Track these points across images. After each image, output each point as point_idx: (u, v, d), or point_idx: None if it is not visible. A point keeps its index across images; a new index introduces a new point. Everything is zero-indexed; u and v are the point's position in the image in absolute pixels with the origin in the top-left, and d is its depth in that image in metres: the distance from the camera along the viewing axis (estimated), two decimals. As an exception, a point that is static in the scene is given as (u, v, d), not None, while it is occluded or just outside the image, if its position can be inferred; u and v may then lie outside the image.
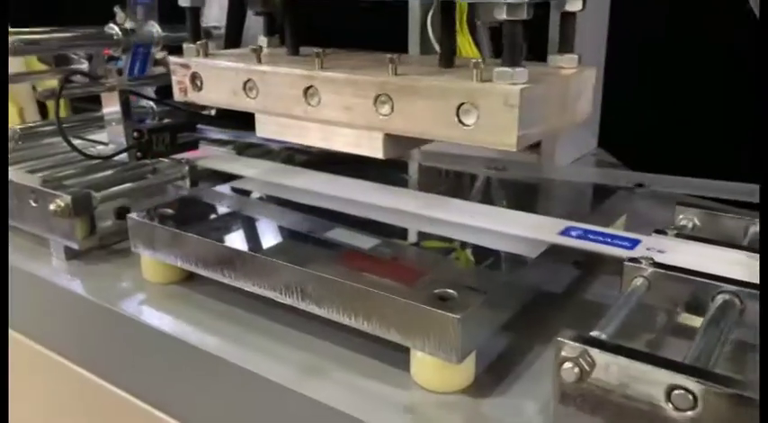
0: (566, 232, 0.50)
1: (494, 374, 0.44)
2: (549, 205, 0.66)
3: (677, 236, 0.49)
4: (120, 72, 0.68)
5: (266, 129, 0.54)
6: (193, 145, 0.70)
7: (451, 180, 0.69)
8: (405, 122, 0.45)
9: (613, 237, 0.49)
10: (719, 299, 0.41)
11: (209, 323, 0.51)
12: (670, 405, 0.32)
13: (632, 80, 0.79)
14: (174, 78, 0.57)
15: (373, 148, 0.48)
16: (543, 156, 0.68)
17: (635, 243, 0.47)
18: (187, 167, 0.69)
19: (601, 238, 0.48)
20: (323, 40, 0.56)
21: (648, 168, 0.71)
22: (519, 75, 0.41)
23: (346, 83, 0.47)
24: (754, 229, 0.52)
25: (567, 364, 0.34)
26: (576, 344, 0.34)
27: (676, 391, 0.32)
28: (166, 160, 0.70)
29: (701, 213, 0.54)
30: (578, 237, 0.49)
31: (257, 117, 0.54)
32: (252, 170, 0.67)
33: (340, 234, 0.53)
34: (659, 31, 0.77)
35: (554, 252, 0.49)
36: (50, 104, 0.92)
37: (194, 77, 0.56)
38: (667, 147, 0.80)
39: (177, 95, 0.58)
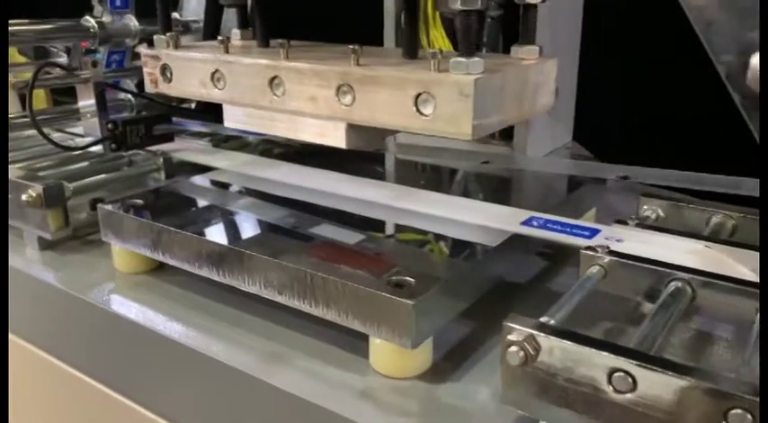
0: (528, 222, 0.50)
1: (451, 361, 0.44)
2: (521, 197, 0.66)
3: (637, 226, 0.49)
4: (94, 64, 0.68)
5: (234, 119, 0.54)
6: (169, 137, 0.71)
7: (426, 173, 0.70)
8: (366, 112, 0.46)
9: (574, 226, 0.49)
10: (672, 286, 0.42)
11: (176, 312, 0.51)
12: (611, 387, 0.33)
13: (607, 75, 0.80)
14: (145, 70, 0.58)
15: (337, 138, 0.49)
16: (516, 148, 0.69)
17: (594, 232, 0.48)
18: (162, 159, 0.69)
19: (561, 228, 0.49)
20: (301, 34, 0.57)
21: (621, 162, 0.71)
22: (474, 65, 0.42)
23: (310, 73, 0.48)
24: (716, 219, 0.52)
25: (513, 348, 0.35)
26: (522, 328, 0.35)
27: (617, 374, 0.33)
28: (143, 152, 0.71)
29: (665, 204, 0.54)
30: (539, 226, 0.50)
31: (225, 108, 0.55)
32: (226, 162, 0.67)
33: (308, 225, 0.53)
34: (634, 26, 0.77)
35: (516, 242, 0.50)
36: (35, 94, 0.92)
37: (164, 69, 0.57)
38: (641, 140, 0.80)
39: (148, 86, 0.58)
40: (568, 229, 0.49)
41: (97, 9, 0.74)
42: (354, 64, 0.46)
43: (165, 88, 0.57)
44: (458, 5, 0.41)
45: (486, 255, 0.47)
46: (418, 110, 0.43)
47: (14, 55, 0.86)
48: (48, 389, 0.62)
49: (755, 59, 0.24)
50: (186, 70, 0.55)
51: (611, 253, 0.44)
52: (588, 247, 0.45)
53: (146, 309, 0.52)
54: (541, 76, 0.49)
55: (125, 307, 0.52)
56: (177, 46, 0.57)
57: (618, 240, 0.47)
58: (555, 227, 0.49)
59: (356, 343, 0.44)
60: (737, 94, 0.26)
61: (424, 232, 0.52)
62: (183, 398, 0.50)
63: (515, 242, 0.50)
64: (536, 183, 0.67)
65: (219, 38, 0.54)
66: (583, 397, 0.34)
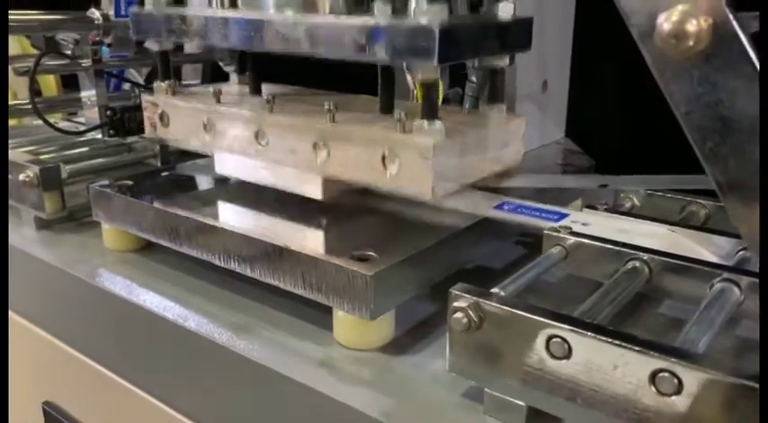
0: (499, 207, 0.51)
1: (414, 336, 0.45)
2: (509, 188, 0.67)
3: (606, 211, 0.50)
4: (95, 53, 0.71)
5: (224, 167, 0.58)
6: (167, 125, 0.73)
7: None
8: (339, 167, 0.49)
9: (543, 211, 0.50)
10: (629, 265, 0.42)
11: (157, 286, 0.53)
12: (549, 354, 0.34)
13: (603, 71, 0.80)
14: (146, 114, 0.61)
15: (314, 189, 0.52)
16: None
17: (563, 216, 0.49)
18: (159, 146, 0.71)
19: (530, 212, 0.50)
20: (303, 67, 0.59)
21: (613, 159, 0.72)
22: (435, 129, 0.44)
23: (290, 128, 0.51)
24: (690, 208, 0.53)
25: (458, 315, 0.36)
26: (467, 295, 0.36)
27: (553, 340, 0.33)
28: (142, 139, 0.73)
29: (642, 194, 0.55)
30: (510, 211, 0.50)
31: (216, 155, 0.58)
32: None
33: (285, 205, 0.55)
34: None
35: (487, 226, 0.51)
36: (45, 84, 0.96)
37: (162, 115, 0.59)
38: (636, 137, 0.80)
39: (148, 130, 0.61)
40: (537, 214, 0.49)
41: (103, 2, 0.77)
42: (330, 121, 0.49)
43: (162, 132, 0.60)
44: (419, 77, 0.44)
45: (453, 236, 0.48)
46: (385, 168, 0.46)
47: (28, 47, 0.89)
48: (40, 362, 0.64)
49: (661, 19, 0.25)
50: (181, 118, 0.58)
51: (573, 234, 0.45)
52: (551, 229, 0.46)
53: (129, 283, 0.54)
54: (507, 135, 0.51)
55: (109, 281, 0.54)
56: (175, 93, 0.59)
57: (584, 223, 0.47)
58: (525, 211, 0.50)
59: (322, 316, 0.46)
60: (648, 54, 0.27)
61: (405, 216, 0.53)
62: (161, 367, 0.52)
63: (487, 226, 0.51)
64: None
65: (213, 88, 0.57)
66: (523, 364, 0.35)
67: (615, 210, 0.51)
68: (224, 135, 0.55)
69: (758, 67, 0.24)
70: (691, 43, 0.25)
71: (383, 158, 0.46)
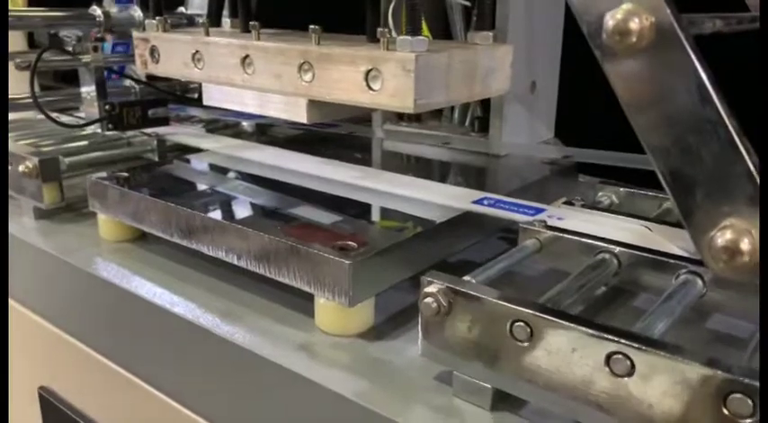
0: (479, 201, 0.53)
1: (393, 323, 0.47)
2: (488, 184, 0.68)
3: (584, 207, 0.51)
4: (96, 49, 0.73)
5: (211, 97, 0.58)
6: (165, 121, 0.75)
7: (402, 159, 0.73)
8: (324, 88, 0.49)
9: (521, 206, 0.51)
10: (598, 257, 0.44)
11: (148, 274, 0.55)
12: (512, 338, 0.35)
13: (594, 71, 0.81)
14: (137, 52, 0.62)
15: (299, 113, 0.52)
16: (491, 141, 0.71)
17: (539, 211, 0.50)
18: (156, 141, 0.73)
19: (508, 207, 0.51)
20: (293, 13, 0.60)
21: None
22: (418, 43, 0.45)
23: (275, 51, 0.51)
24: (666, 205, 0.54)
25: (428, 299, 0.37)
26: (437, 281, 0.38)
27: (516, 324, 0.35)
28: (141, 134, 0.75)
29: (621, 192, 0.57)
30: (489, 205, 0.52)
31: (203, 87, 0.59)
32: (214, 144, 0.71)
33: (275, 200, 0.57)
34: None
35: (468, 221, 0.52)
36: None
37: (153, 50, 0.61)
38: (621, 139, 0.82)
39: (139, 68, 0.62)
40: (515, 208, 0.51)
41: (106, 0, 0.79)
42: (315, 43, 0.50)
43: (152, 69, 0.61)
44: None
45: (432, 229, 0.50)
46: (368, 85, 0.47)
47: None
48: (37, 348, 0.66)
49: (607, 17, 0.27)
50: (171, 51, 0.59)
51: (548, 227, 0.46)
52: (527, 222, 0.47)
53: (122, 271, 0.56)
54: (493, 61, 0.51)
55: (103, 269, 0.56)
56: (166, 30, 0.61)
57: (559, 218, 0.49)
58: (503, 206, 0.52)
59: (305, 303, 0.47)
60: (597, 51, 0.28)
61: (387, 210, 0.55)
62: (152, 352, 0.54)
63: (467, 221, 0.52)
64: (510, 172, 0.69)
65: (201, 22, 0.58)
66: (488, 348, 0.36)
67: (593, 206, 0.53)
68: (212, 65, 0.56)
69: (697, 64, 0.26)
70: (634, 40, 0.27)
71: (367, 76, 0.46)
